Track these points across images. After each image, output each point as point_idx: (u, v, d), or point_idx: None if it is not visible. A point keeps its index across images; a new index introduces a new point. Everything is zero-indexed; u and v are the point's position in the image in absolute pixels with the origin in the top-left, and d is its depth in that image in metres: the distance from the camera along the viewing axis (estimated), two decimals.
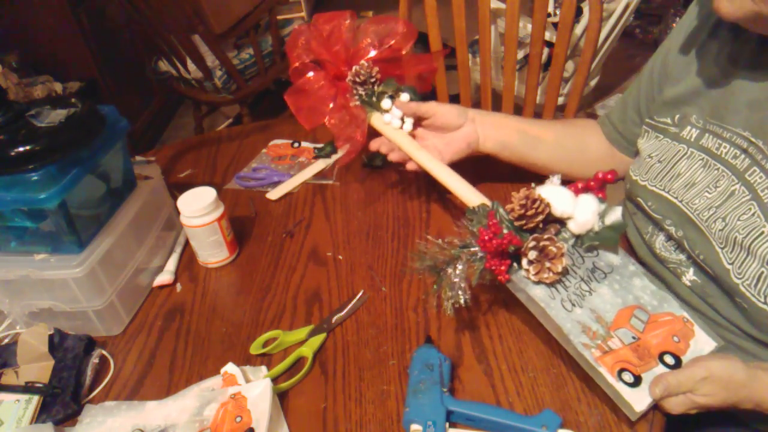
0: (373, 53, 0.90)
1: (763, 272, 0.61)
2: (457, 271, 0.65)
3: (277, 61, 2.21)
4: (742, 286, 0.62)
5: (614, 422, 0.59)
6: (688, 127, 0.71)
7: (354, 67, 0.89)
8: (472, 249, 0.65)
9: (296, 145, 1.11)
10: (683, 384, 0.57)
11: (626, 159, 0.87)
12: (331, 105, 0.91)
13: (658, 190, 0.73)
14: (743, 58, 0.66)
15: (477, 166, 0.88)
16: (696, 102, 0.71)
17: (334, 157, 1.06)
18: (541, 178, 0.70)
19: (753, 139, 0.64)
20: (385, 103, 0.88)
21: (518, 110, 1.38)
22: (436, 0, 1.25)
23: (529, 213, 0.64)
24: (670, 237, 0.73)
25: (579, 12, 1.97)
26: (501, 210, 0.66)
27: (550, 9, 1.91)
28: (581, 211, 0.66)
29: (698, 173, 0.69)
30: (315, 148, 1.09)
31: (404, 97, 0.89)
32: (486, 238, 0.62)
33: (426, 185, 0.97)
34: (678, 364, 0.61)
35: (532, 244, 0.63)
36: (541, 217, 0.64)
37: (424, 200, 0.94)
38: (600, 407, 0.61)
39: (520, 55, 1.93)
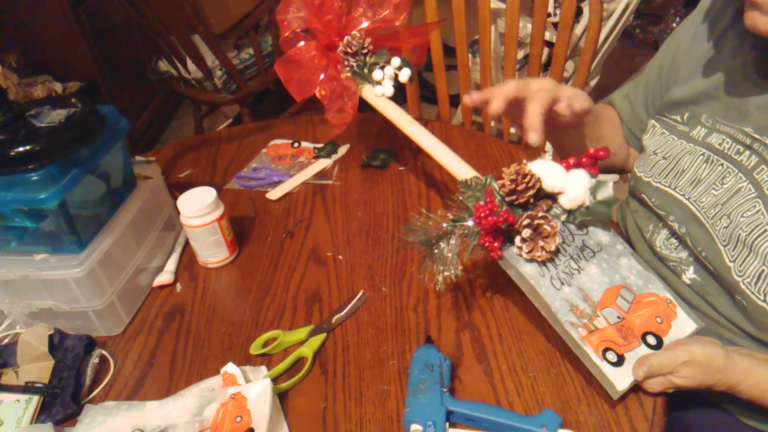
0: (365, 24, 0.88)
1: (763, 270, 0.61)
2: (450, 246, 0.66)
3: None
4: (742, 284, 0.63)
5: (614, 422, 0.59)
6: (698, 127, 0.71)
7: (346, 38, 0.87)
8: (466, 224, 0.65)
9: (296, 145, 1.11)
10: (665, 366, 0.59)
11: (633, 153, 0.87)
12: (322, 76, 0.89)
13: (663, 186, 0.73)
14: (756, 59, 0.66)
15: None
16: (707, 103, 0.71)
17: (334, 157, 1.06)
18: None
19: (757, 136, 0.64)
20: (377, 74, 0.86)
21: None
22: (435, 0, 1.25)
23: (520, 188, 0.64)
24: (672, 233, 0.73)
25: (579, 12, 1.97)
26: (494, 184, 0.66)
27: (550, 9, 1.91)
28: (572, 186, 0.66)
29: (702, 169, 0.69)
30: (315, 148, 1.09)
31: (395, 61, 0.87)
32: (482, 214, 0.62)
33: (426, 185, 0.97)
34: (659, 344, 0.62)
35: (526, 221, 0.63)
36: (531, 192, 0.64)
37: (424, 200, 0.94)
38: (600, 407, 0.61)
39: (520, 55, 1.93)
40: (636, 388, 0.61)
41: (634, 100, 0.86)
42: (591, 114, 0.82)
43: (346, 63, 0.88)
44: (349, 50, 0.87)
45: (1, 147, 0.63)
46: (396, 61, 0.87)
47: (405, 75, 0.88)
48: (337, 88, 0.88)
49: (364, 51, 0.87)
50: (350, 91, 0.87)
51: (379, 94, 0.87)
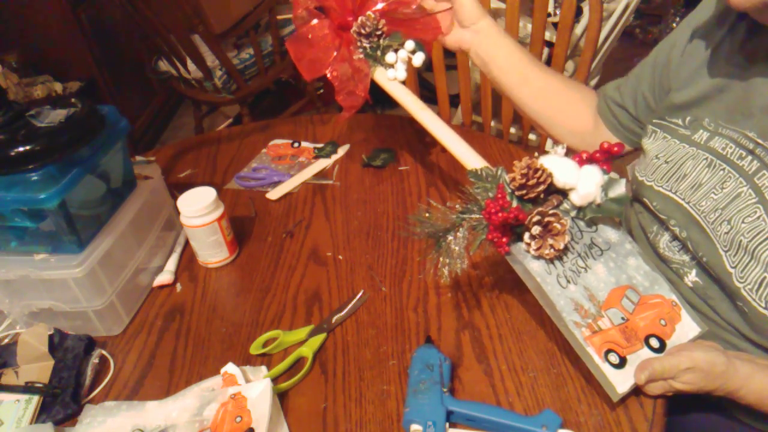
0: (380, 5, 0.86)
1: (765, 277, 0.60)
2: (457, 239, 0.65)
3: (277, 61, 2.21)
4: (743, 291, 0.62)
5: (614, 422, 0.59)
6: (701, 131, 0.70)
7: (360, 18, 0.85)
8: (474, 216, 0.64)
9: (296, 145, 1.11)
10: (667, 371, 0.59)
11: (607, 135, 0.87)
12: (334, 54, 0.87)
13: (665, 190, 0.73)
14: (760, 55, 0.65)
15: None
16: (709, 105, 0.70)
17: (334, 157, 1.06)
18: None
19: (760, 141, 0.64)
20: (390, 57, 0.85)
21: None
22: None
23: (531, 183, 0.62)
24: (674, 237, 0.73)
25: (579, 12, 1.97)
26: (505, 176, 0.65)
27: (550, 9, 1.91)
28: (584, 183, 0.64)
29: (703, 173, 0.69)
30: (315, 148, 1.09)
31: (409, 45, 0.85)
32: (493, 210, 0.61)
33: (427, 185, 0.97)
34: (662, 347, 0.62)
35: (536, 218, 0.62)
36: (542, 187, 0.63)
37: (424, 200, 0.94)
38: (600, 407, 0.61)
39: None
40: (636, 389, 0.61)
41: (624, 91, 0.86)
42: (513, 74, 0.87)
43: (358, 44, 0.86)
44: (362, 31, 0.85)
45: (1, 147, 0.63)
46: (410, 44, 0.85)
47: (419, 59, 0.86)
48: (349, 70, 0.86)
49: (378, 33, 0.85)
50: (362, 73, 0.85)
51: (391, 77, 0.85)
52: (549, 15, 1.87)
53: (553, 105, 0.89)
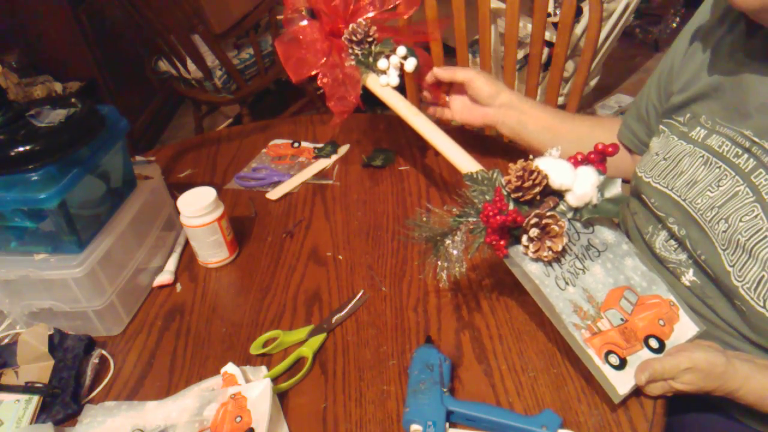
0: (372, 13, 0.87)
1: (763, 276, 0.61)
2: (455, 243, 0.65)
3: (277, 61, 2.21)
4: (742, 289, 0.63)
5: (614, 422, 0.59)
6: (698, 128, 0.71)
7: (351, 25, 0.85)
8: (472, 219, 0.64)
9: (296, 145, 1.11)
10: (667, 372, 0.59)
11: (633, 156, 0.88)
12: (323, 60, 0.87)
13: (662, 187, 0.73)
14: (758, 54, 0.65)
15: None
16: (706, 103, 0.71)
17: (334, 157, 1.06)
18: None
19: (756, 139, 0.64)
20: (382, 63, 0.85)
21: None
22: (435, 0, 1.25)
23: (526, 185, 0.62)
24: (672, 236, 0.73)
25: (579, 12, 1.97)
26: (500, 178, 0.65)
27: (550, 9, 1.91)
28: (580, 184, 0.64)
29: (699, 171, 0.69)
30: (315, 148, 1.09)
31: (400, 51, 0.86)
32: (490, 213, 0.60)
33: (426, 185, 0.97)
34: (661, 347, 0.63)
35: (534, 220, 0.62)
36: (538, 189, 0.63)
37: (424, 200, 0.94)
38: (600, 407, 0.61)
39: (520, 55, 1.93)
40: (636, 389, 0.61)
41: (639, 102, 0.87)
42: (545, 133, 0.89)
43: (350, 51, 0.87)
44: (354, 38, 0.85)
45: (1, 147, 0.63)
46: (402, 50, 0.85)
47: (410, 65, 0.86)
48: (340, 76, 0.86)
49: (369, 39, 0.85)
50: (354, 79, 0.86)
51: (383, 83, 0.86)
52: (549, 15, 1.87)
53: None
